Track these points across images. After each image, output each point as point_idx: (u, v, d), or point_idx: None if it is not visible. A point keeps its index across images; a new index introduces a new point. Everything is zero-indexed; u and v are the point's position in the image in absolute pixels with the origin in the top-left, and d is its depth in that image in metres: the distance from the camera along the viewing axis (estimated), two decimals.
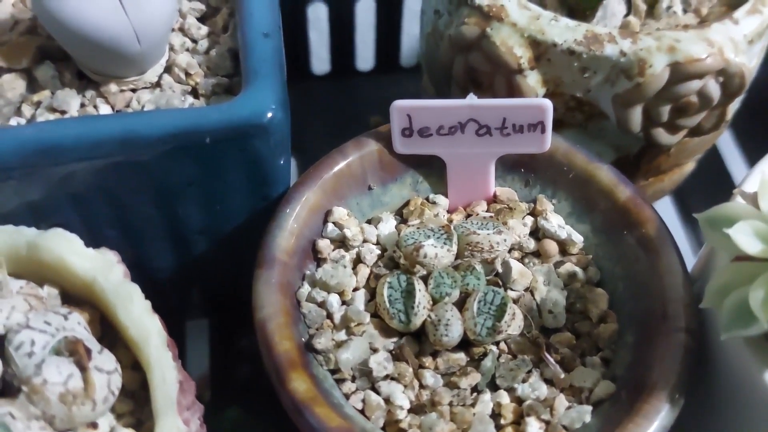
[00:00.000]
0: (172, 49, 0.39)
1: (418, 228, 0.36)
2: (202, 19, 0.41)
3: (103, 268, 0.31)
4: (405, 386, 0.33)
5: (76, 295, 0.32)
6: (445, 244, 0.35)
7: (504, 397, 0.33)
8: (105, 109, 0.37)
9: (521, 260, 0.37)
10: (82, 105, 0.37)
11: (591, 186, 0.38)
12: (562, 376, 0.34)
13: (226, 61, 0.39)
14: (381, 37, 0.61)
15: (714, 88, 0.39)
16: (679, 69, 0.38)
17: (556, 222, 0.38)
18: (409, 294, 0.34)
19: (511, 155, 0.39)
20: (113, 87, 0.38)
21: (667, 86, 0.39)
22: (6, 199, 0.34)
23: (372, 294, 0.36)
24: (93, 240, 0.32)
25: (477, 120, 0.37)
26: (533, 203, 0.39)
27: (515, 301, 0.36)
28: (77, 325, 0.30)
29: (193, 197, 0.37)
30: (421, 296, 0.34)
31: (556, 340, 0.35)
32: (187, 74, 0.38)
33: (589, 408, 0.33)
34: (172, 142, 0.34)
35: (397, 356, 0.34)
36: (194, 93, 0.39)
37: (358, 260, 0.37)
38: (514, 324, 0.34)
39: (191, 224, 0.39)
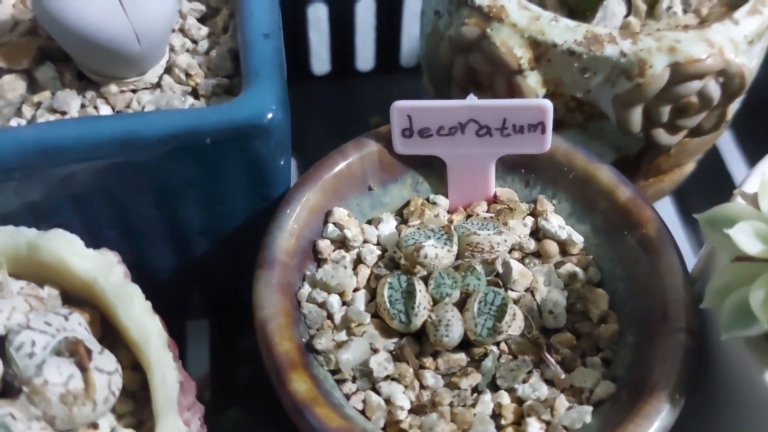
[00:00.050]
0: (172, 49, 0.39)
1: (418, 228, 0.36)
2: (202, 20, 0.41)
3: (104, 269, 0.31)
4: (405, 387, 0.33)
5: (77, 296, 0.32)
6: (445, 244, 0.35)
7: (504, 398, 0.33)
8: (105, 110, 0.37)
9: (522, 261, 0.37)
10: (83, 106, 0.37)
11: (591, 186, 0.38)
12: (563, 376, 0.34)
13: (227, 62, 0.39)
14: (381, 37, 0.61)
15: (714, 89, 0.39)
16: (680, 69, 0.38)
17: (556, 222, 0.38)
18: (409, 294, 0.34)
19: (512, 156, 0.39)
20: (113, 88, 0.38)
21: (668, 87, 0.39)
22: (6, 200, 0.34)
23: (372, 294, 0.36)
24: (93, 241, 0.32)
25: (477, 120, 0.37)
26: (533, 204, 0.39)
27: (516, 302, 0.36)
28: (78, 325, 0.30)
29: (194, 198, 0.37)
30: (422, 297, 0.34)
31: (557, 340, 0.35)
32: (188, 75, 0.38)
33: (590, 408, 0.33)
34: (172, 142, 0.34)
35: (397, 357, 0.34)
36: (194, 94, 0.39)
37: (358, 261, 0.37)
38: (514, 324, 0.34)
39: (191, 225, 0.39)
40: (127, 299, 0.31)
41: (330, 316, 0.35)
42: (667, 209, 0.56)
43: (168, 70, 0.39)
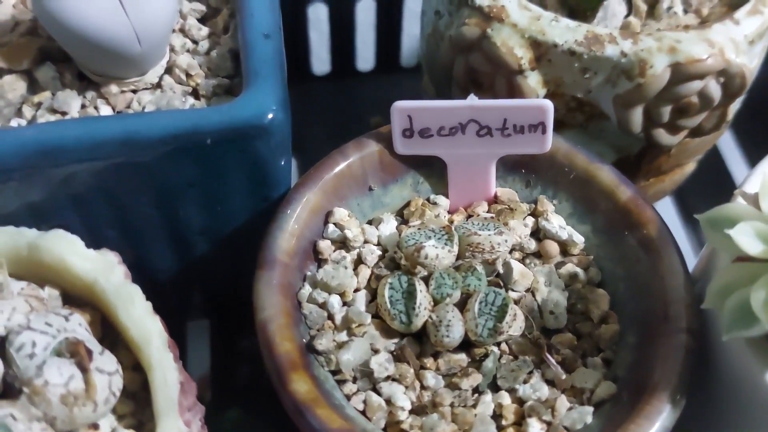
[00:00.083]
0: (172, 50, 0.39)
1: (419, 229, 0.36)
2: (202, 20, 0.41)
3: (104, 269, 0.31)
4: (406, 387, 0.33)
5: (77, 297, 0.32)
6: (446, 244, 0.35)
7: (505, 398, 0.33)
8: (106, 110, 0.37)
9: (522, 261, 0.37)
10: (83, 106, 0.37)
11: (592, 187, 0.38)
12: (564, 376, 0.34)
13: (227, 62, 0.39)
14: (381, 37, 0.61)
15: (715, 89, 0.39)
16: (680, 69, 0.38)
17: (557, 223, 0.38)
18: (410, 295, 0.34)
19: (512, 156, 0.39)
20: (114, 88, 0.38)
21: (668, 87, 0.39)
22: (7, 201, 0.34)
23: (373, 295, 0.36)
24: (94, 241, 0.32)
25: (478, 121, 0.37)
26: (534, 204, 0.39)
27: (516, 302, 0.35)
28: (78, 326, 0.30)
29: (194, 198, 0.37)
30: (422, 297, 0.34)
31: (558, 340, 0.35)
32: (188, 75, 0.38)
33: (591, 409, 0.33)
34: (172, 143, 0.34)
35: (398, 357, 0.34)
36: (195, 94, 0.39)
37: (359, 261, 0.37)
38: (515, 325, 0.34)
39: (192, 225, 0.39)
40: (127, 300, 0.31)
41: (331, 317, 0.35)
42: (667, 209, 0.56)
43: (168, 70, 0.39)
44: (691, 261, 0.38)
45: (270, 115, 0.34)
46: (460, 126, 0.37)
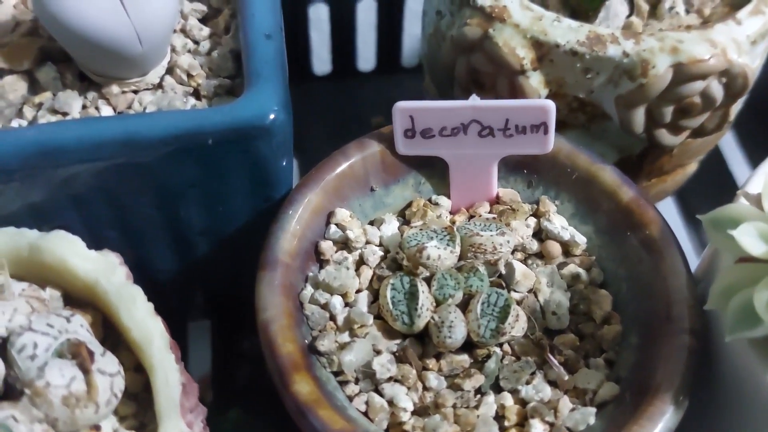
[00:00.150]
0: (173, 50, 0.39)
1: (420, 229, 0.36)
2: (203, 21, 0.41)
3: (106, 270, 0.31)
4: (408, 388, 0.33)
5: (79, 297, 0.32)
6: (448, 245, 0.35)
7: (508, 399, 0.33)
8: (107, 111, 0.37)
9: (524, 261, 0.37)
10: (84, 107, 0.37)
11: (594, 187, 0.38)
12: (566, 377, 0.34)
13: (228, 63, 0.39)
14: (382, 37, 0.61)
15: (717, 89, 0.39)
16: (682, 70, 0.38)
17: (559, 223, 0.38)
18: (412, 296, 0.34)
19: (514, 156, 0.39)
20: (115, 88, 0.38)
21: (670, 87, 0.39)
22: (8, 201, 0.34)
23: (375, 296, 0.36)
24: (95, 242, 0.32)
25: (480, 121, 0.37)
26: (536, 204, 0.39)
27: (519, 303, 0.35)
28: (80, 327, 0.30)
29: (195, 199, 0.37)
30: (425, 298, 0.34)
31: (560, 341, 0.35)
32: (189, 75, 0.38)
33: (593, 410, 0.33)
34: (174, 143, 0.34)
35: (400, 358, 0.34)
36: (196, 94, 0.38)
37: (360, 262, 0.37)
38: (517, 325, 0.34)
39: (193, 226, 0.39)
40: (129, 301, 0.31)
41: (333, 318, 0.35)
42: (669, 210, 0.56)
43: (170, 70, 0.39)
44: (693, 261, 0.37)
45: (271, 116, 0.34)
46: (462, 126, 0.37)
